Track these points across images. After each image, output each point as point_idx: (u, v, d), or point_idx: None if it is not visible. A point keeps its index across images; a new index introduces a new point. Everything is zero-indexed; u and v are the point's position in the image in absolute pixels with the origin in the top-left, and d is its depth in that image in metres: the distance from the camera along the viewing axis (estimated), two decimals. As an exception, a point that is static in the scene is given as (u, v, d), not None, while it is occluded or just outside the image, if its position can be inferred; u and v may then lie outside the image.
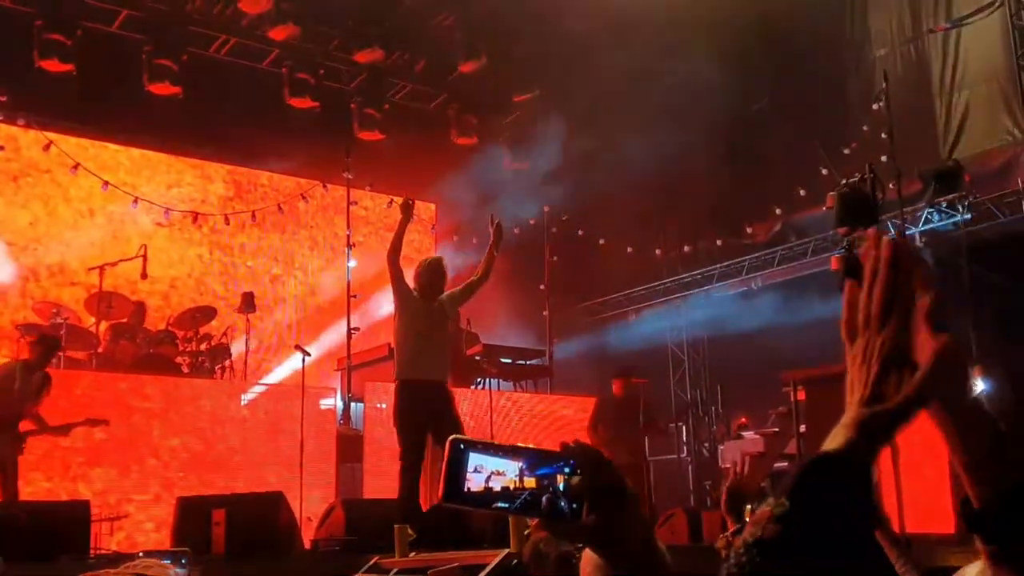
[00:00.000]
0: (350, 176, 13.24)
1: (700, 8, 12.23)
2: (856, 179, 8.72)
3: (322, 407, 10.47)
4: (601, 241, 14.97)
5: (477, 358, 11.61)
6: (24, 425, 7.91)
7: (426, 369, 7.31)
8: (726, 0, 12.30)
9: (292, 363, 12.00)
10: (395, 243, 7.38)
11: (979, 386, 10.73)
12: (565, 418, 11.56)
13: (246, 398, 10.11)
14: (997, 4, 11.67)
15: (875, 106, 11.54)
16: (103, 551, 7.34)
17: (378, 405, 10.36)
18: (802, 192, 13.14)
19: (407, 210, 7.45)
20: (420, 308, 7.39)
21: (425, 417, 7.21)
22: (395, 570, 4.86)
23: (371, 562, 5.12)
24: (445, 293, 7.64)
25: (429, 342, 7.36)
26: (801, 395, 9.23)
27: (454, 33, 14.01)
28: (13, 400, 7.89)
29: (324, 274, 14.92)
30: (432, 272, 7.51)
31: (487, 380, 11.50)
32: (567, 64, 13.97)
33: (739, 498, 3.46)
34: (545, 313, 13.10)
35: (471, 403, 10.63)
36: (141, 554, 4.33)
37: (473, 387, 11.37)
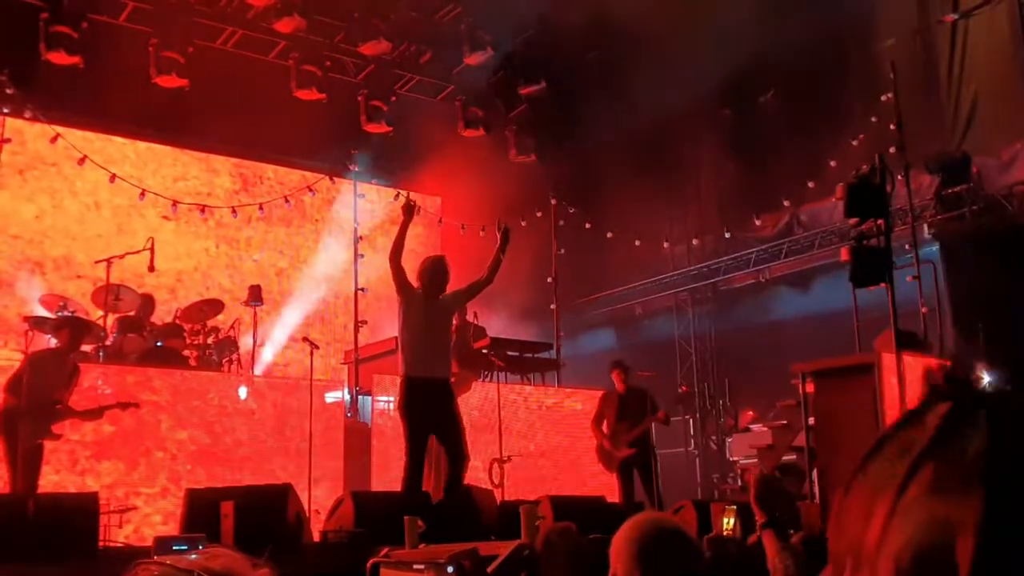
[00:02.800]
0: (357, 169, 13.22)
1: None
2: (866, 170, 8.69)
3: (329, 400, 10.45)
4: (608, 234, 14.94)
5: (484, 351, 11.59)
6: (57, 413, 7.92)
7: (429, 366, 7.40)
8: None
9: (300, 356, 11.99)
10: (397, 243, 7.42)
11: (984, 378, 10.73)
12: (573, 411, 11.55)
13: (254, 391, 10.10)
14: (1005, -6, 11.62)
15: (883, 97, 11.49)
16: (112, 543, 7.34)
17: (379, 399, 10.36)
18: (810, 184, 13.11)
19: (409, 211, 7.51)
20: (423, 306, 7.46)
21: (428, 413, 7.35)
22: (413, 561, 4.86)
23: (381, 553, 5.11)
24: (449, 292, 7.70)
25: (432, 340, 7.46)
26: (810, 387, 9.20)
27: (460, 25, 13.97)
28: (47, 387, 7.89)
29: (331, 267, 14.90)
30: (434, 270, 7.59)
31: (495, 373, 11.48)
32: (572, 56, 13.95)
33: (771, 489, 3.44)
34: (552, 306, 13.08)
35: (479, 397, 10.61)
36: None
37: (480, 380, 11.35)
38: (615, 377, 10.12)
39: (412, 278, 7.59)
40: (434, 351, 7.47)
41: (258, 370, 12.14)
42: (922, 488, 0.66)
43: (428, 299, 7.50)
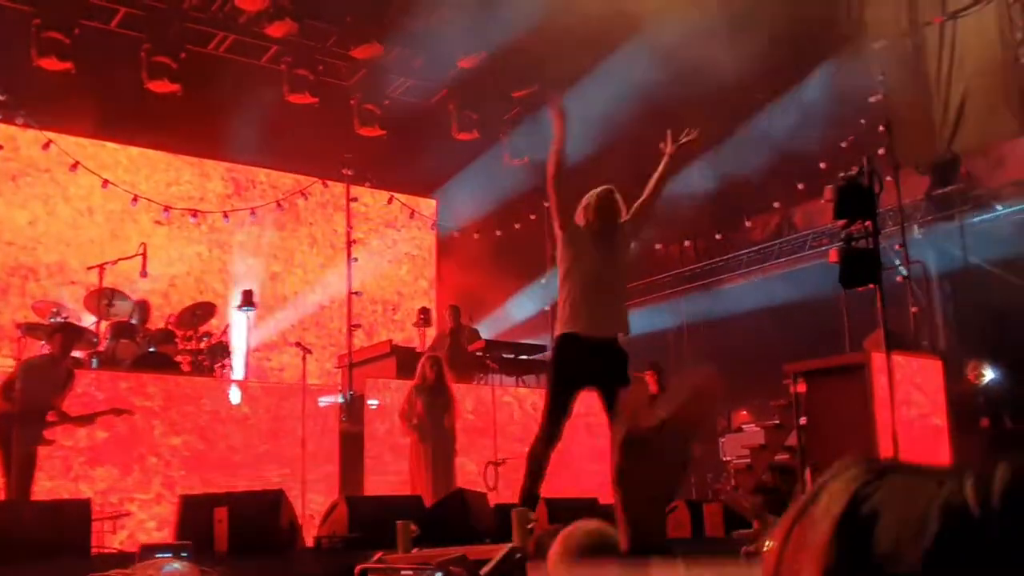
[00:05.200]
0: (350, 173, 13.24)
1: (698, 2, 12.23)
2: (854, 172, 8.74)
3: (323, 404, 10.47)
4: (601, 236, 14.95)
5: (479, 354, 11.62)
6: (49, 419, 7.94)
7: (598, 321, 6.02)
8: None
9: (293, 360, 12.00)
10: (556, 159, 5.94)
11: (985, 376, 10.78)
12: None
13: (247, 396, 10.10)
14: (993, -5, 11.68)
15: (872, 99, 11.55)
16: (105, 550, 7.35)
17: (372, 403, 10.38)
18: (800, 186, 13.15)
19: (560, 113, 5.98)
20: (592, 246, 6.04)
21: (581, 379, 6.04)
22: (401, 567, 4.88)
23: (375, 558, 5.13)
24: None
25: (604, 288, 6.07)
26: (801, 387, 9.25)
27: (453, 28, 13.99)
28: (40, 393, 7.89)
29: (324, 271, 14.92)
30: (604, 204, 6.09)
31: (489, 376, 11.52)
32: (566, 59, 13.96)
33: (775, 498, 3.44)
34: (547, 308, 13.11)
35: (474, 399, 10.65)
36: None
37: (476, 382, 11.39)
38: (649, 378, 10.02)
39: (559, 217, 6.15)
40: (607, 301, 6.08)
41: (251, 375, 12.15)
42: (795, 542, 0.73)
43: (597, 238, 6.04)
